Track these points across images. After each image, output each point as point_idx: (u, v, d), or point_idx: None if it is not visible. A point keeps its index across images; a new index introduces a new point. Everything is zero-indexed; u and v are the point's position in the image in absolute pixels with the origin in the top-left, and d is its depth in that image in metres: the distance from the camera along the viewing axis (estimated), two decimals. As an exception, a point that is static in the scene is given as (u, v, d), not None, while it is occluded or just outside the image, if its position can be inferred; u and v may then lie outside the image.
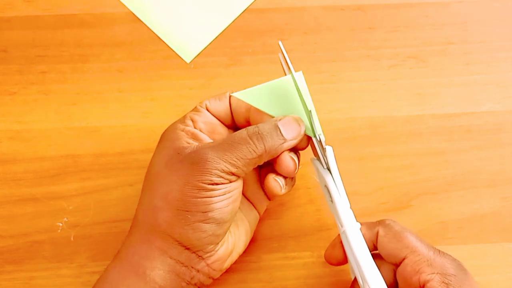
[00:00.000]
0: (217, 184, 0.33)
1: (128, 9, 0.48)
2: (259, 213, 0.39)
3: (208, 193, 0.33)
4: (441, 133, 0.44)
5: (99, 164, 0.43)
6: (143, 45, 0.47)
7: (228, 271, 0.40)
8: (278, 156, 0.35)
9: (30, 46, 0.46)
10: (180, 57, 0.46)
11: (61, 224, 0.41)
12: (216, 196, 0.33)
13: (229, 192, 0.34)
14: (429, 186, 0.43)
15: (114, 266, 0.35)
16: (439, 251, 0.34)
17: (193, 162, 0.33)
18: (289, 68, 0.36)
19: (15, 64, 0.46)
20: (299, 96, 0.36)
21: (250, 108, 0.37)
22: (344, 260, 0.36)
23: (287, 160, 0.35)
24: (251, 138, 0.34)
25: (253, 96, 0.36)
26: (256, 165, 0.35)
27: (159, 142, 0.37)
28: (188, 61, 0.46)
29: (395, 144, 0.44)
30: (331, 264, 0.37)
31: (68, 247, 0.41)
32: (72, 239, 0.41)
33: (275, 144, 0.34)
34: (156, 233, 0.34)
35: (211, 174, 0.33)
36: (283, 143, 0.35)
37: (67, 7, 0.48)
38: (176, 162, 0.34)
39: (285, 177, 0.37)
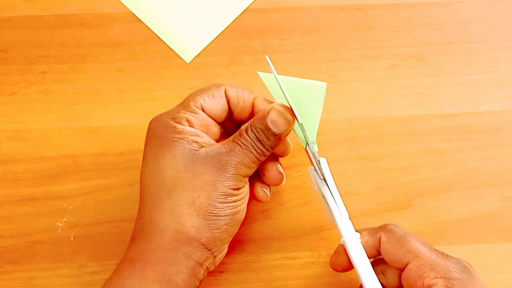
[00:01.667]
0: (239, 188, 0.35)
1: (128, 9, 0.48)
2: None
3: (234, 198, 0.34)
4: (441, 133, 0.44)
5: (99, 164, 0.43)
6: (143, 45, 0.47)
7: (228, 271, 0.40)
8: (266, 169, 0.38)
9: (30, 46, 0.46)
10: (180, 57, 0.46)
11: (61, 224, 0.41)
12: (240, 200, 0.35)
13: (246, 195, 0.36)
14: (429, 186, 0.43)
15: (133, 275, 0.33)
16: (443, 254, 0.33)
17: (218, 168, 0.34)
18: (278, 82, 0.36)
19: (15, 64, 0.46)
20: (289, 105, 0.36)
21: (255, 102, 0.37)
22: (350, 266, 0.36)
23: (275, 173, 0.38)
24: (254, 142, 0.35)
25: (274, 83, 0.36)
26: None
27: (154, 139, 0.35)
28: (188, 61, 0.46)
29: (395, 144, 0.44)
30: (337, 271, 0.37)
31: (68, 247, 0.41)
32: (72, 239, 0.41)
33: (273, 142, 0.36)
34: (182, 239, 0.34)
35: (236, 180, 0.34)
36: (279, 137, 0.36)
37: (67, 7, 0.48)
38: (198, 165, 0.34)
39: (268, 185, 0.39)
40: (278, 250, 0.41)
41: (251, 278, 0.40)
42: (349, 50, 0.47)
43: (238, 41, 0.47)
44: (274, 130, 0.35)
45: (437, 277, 0.32)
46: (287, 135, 0.37)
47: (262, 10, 0.48)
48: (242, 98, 0.37)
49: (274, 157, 0.38)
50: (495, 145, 0.44)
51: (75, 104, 0.45)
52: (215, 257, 0.36)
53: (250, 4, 0.48)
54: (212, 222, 0.34)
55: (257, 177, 0.39)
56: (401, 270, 0.34)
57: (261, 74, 0.37)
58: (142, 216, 0.35)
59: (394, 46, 0.47)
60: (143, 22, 0.47)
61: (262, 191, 0.38)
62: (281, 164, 0.39)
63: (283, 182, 0.38)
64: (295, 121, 0.36)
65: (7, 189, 0.42)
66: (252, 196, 0.39)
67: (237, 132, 0.36)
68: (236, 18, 0.48)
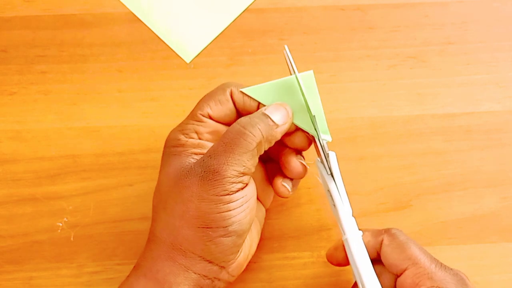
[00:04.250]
0: (234, 192, 0.33)
1: (128, 9, 0.48)
2: (265, 208, 0.40)
3: (226, 206, 0.32)
4: (441, 133, 0.44)
5: (99, 164, 0.43)
6: (143, 45, 0.47)
7: (228, 271, 0.40)
8: (287, 162, 0.36)
9: (30, 46, 0.46)
10: (180, 57, 0.46)
11: (61, 224, 0.41)
12: (235, 209, 0.33)
13: (246, 202, 0.33)
14: (429, 186, 0.43)
15: (138, 280, 0.34)
16: (442, 264, 0.33)
17: (202, 177, 0.32)
18: (294, 71, 0.36)
19: (15, 64, 0.46)
20: (304, 100, 0.36)
21: (260, 104, 0.36)
22: (345, 262, 0.36)
23: (297, 165, 0.36)
24: (245, 128, 0.33)
25: (261, 93, 0.36)
26: (258, 156, 0.34)
27: (163, 154, 0.36)
28: (188, 61, 0.46)
29: (395, 144, 0.44)
30: (332, 264, 0.37)
31: (68, 247, 0.41)
32: (72, 239, 0.41)
33: (270, 130, 0.34)
34: (178, 251, 0.33)
35: (224, 184, 0.32)
36: (276, 129, 0.34)
37: (67, 7, 0.48)
38: (184, 179, 0.33)
39: (291, 179, 0.37)
40: (278, 250, 0.41)
41: (250, 278, 0.40)
42: (349, 50, 0.47)
43: (238, 41, 0.47)
44: (272, 117, 0.34)
45: (433, 286, 0.32)
46: (282, 133, 0.35)
47: (262, 10, 0.48)
48: (248, 101, 0.36)
49: (296, 150, 0.37)
50: (495, 145, 0.44)
51: (75, 104, 0.45)
52: (222, 267, 0.34)
53: (250, 4, 0.48)
54: (203, 234, 0.33)
55: (278, 171, 0.38)
56: (398, 275, 0.34)
57: (245, 90, 0.36)
58: (150, 227, 0.35)
59: (394, 46, 0.47)
60: (143, 22, 0.47)
61: (282, 185, 0.37)
62: (303, 157, 0.37)
63: (306, 173, 0.37)
64: (308, 115, 0.36)
65: (7, 189, 0.42)
66: (274, 192, 0.38)
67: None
68: (236, 18, 0.48)
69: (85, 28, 0.47)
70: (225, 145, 0.33)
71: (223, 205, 0.32)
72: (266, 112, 0.34)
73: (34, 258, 0.41)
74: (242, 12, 0.48)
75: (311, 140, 0.37)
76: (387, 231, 0.35)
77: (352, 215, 0.35)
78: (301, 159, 0.37)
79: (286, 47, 0.37)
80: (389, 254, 0.34)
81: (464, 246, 0.41)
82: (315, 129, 0.36)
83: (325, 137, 0.36)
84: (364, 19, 0.48)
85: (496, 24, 0.48)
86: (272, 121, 0.34)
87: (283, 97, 0.36)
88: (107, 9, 0.48)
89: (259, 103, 0.36)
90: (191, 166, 0.33)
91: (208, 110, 0.36)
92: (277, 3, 0.48)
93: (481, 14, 0.48)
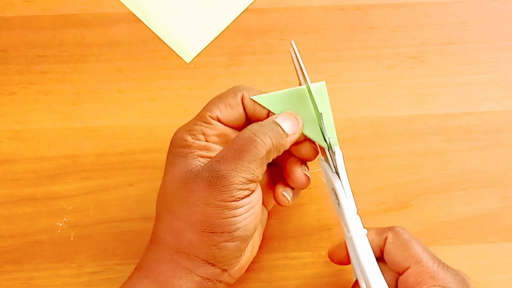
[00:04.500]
0: (240, 198, 0.32)
1: (128, 9, 0.48)
2: (268, 211, 0.40)
3: (232, 212, 0.32)
4: (441, 133, 0.44)
5: (99, 164, 0.43)
6: (143, 45, 0.47)
7: (228, 271, 0.40)
8: (291, 171, 0.36)
9: (30, 46, 0.46)
10: (180, 57, 0.46)
11: (61, 224, 0.41)
12: (241, 215, 0.32)
13: (252, 208, 0.33)
14: (429, 186, 0.43)
15: (140, 282, 0.34)
16: (444, 264, 0.33)
17: (209, 182, 0.32)
18: (306, 81, 0.36)
19: (15, 64, 0.46)
20: (312, 100, 0.36)
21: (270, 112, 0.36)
22: (346, 261, 0.36)
23: (300, 176, 0.36)
24: (256, 135, 0.33)
25: (272, 101, 0.36)
26: (266, 164, 0.34)
27: (169, 154, 0.35)
28: (188, 61, 0.46)
29: (395, 144, 0.44)
30: (333, 262, 0.37)
31: (68, 247, 0.41)
32: (72, 239, 0.41)
33: (279, 139, 0.34)
34: (181, 254, 0.33)
35: (231, 190, 0.32)
36: (286, 138, 0.34)
37: (67, 7, 0.48)
38: (190, 182, 0.33)
39: (292, 189, 0.37)
40: (278, 250, 0.41)
41: (251, 278, 0.40)
42: (349, 50, 0.47)
43: (238, 41, 0.47)
44: (283, 126, 0.34)
45: (435, 285, 0.32)
46: (291, 142, 0.35)
47: (262, 10, 0.48)
48: (259, 108, 0.36)
49: (301, 160, 0.37)
50: (495, 145, 0.44)
51: (75, 104, 0.45)
52: (225, 270, 0.34)
53: (250, 4, 0.48)
54: (208, 238, 0.32)
55: (281, 179, 0.38)
56: (400, 273, 0.34)
57: (256, 98, 0.36)
58: (153, 227, 0.35)
59: (394, 46, 0.47)
60: (143, 22, 0.47)
61: (282, 195, 0.37)
62: (308, 168, 0.37)
63: (310, 184, 0.37)
64: (318, 117, 0.35)
65: (7, 189, 0.42)
66: (275, 200, 0.37)
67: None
68: (236, 18, 0.48)
69: (85, 28, 0.47)
70: (234, 151, 0.33)
71: (229, 211, 0.32)
72: (277, 120, 0.34)
73: (34, 258, 0.41)
74: (242, 12, 0.48)
75: (318, 151, 0.37)
76: (391, 229, 0.35)
77: (357, 214, 0.35)
78: (305, 170, 0.37)
79: (293, 43, 0.36)
80: (393, 252, 0.34)
81: (464, 246, 0.41)
82: (320, 126, 0.36)
83: (335, 149, 0.35)
84: (364, 19, 0.48)
85: (496, 24, 0.48)
86: (283, 130, 0.34)
87: (294, 107, 0.36)
88: (107, 9, 0.48)
89: (269, 110, 0.36)
90: (198, 170, 0.33)
91: (217, 112, 0.35)
92: (277, 3, 0.48)
93: (481, 14, 0.48)
